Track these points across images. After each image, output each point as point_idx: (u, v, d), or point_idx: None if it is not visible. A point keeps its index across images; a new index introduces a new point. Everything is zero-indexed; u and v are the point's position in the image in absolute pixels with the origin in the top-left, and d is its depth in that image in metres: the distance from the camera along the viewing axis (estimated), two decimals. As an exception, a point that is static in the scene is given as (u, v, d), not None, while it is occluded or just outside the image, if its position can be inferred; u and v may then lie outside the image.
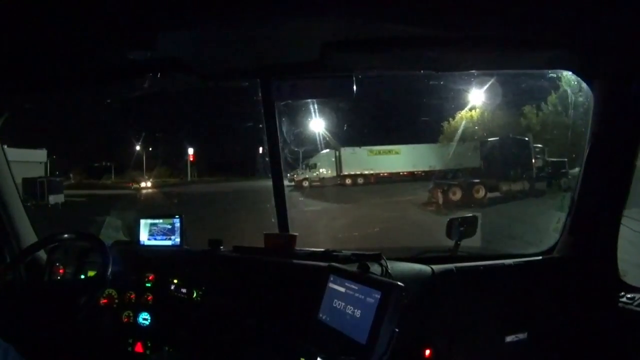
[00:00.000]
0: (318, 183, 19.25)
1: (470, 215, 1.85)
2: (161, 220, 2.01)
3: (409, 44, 1.46)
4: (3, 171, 2.00)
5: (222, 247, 1.90)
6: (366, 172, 19.57)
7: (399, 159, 19.22)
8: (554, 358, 1.67)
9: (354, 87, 1.70)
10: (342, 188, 18.44)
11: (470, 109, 16.34)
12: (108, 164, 26.54)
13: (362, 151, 19.49)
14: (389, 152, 19.51)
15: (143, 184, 21.36)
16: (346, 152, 19.41)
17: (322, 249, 1.64)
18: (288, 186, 17.39)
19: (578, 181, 1.67)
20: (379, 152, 19.68)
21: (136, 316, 1.84)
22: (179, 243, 1.97)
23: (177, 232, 1.97)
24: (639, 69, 1.43)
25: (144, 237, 2.02)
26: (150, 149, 25.95)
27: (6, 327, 1.48)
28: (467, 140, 16.63)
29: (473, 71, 1.79)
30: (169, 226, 1.98)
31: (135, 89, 1.88)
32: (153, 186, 21.47)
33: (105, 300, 1.85)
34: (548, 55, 1.55)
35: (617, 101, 1.51)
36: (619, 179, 1.54)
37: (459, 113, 16.99)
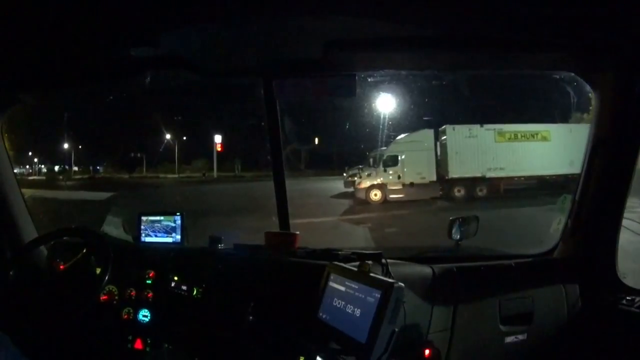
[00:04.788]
0: (401, 195, 10.57)
1: (471, 215, 1.85)
2: (162, 218, 2.01)
3: (410, 43, 1.46)
4: (4, 166, 2.00)
5: (222, 245, 1.90)
6: (492, 175, 10.64)
7: (546, 149, 10.34)
8: (553, 359, 1.67)
9: (356, 86, 1.69)
10: (454, 210, 8.92)
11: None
12: (139, 155, 23.87)
13: (485, 134, 10.72)
14: (533, 136, 10.58)
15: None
16: (456, 134, 10.85)
17: (323, 248, 1.65)
18: (340, 196, 11.16)
19: (579, 182, 1.67)
20: (516, 137, 10.74)
21: (136, 313, 1.84)
22: (179, 240, 1.97)
23: (178, 229, 1.98)
24: None
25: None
26: (185, 137, 22.38)
27: (7, 323, 1.48)
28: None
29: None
30: (170, 223, 1.99)
31: (138, 86, 1.88)
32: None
33: (105, 297, 1.85)
34: (549, 57, 1.55)
35: (619, 103, 1.51)
36: (620, 180, 1.54)
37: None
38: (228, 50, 1.56)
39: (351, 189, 11.51)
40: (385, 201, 10.73)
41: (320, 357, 1.19)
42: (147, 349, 1.80)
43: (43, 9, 1.18)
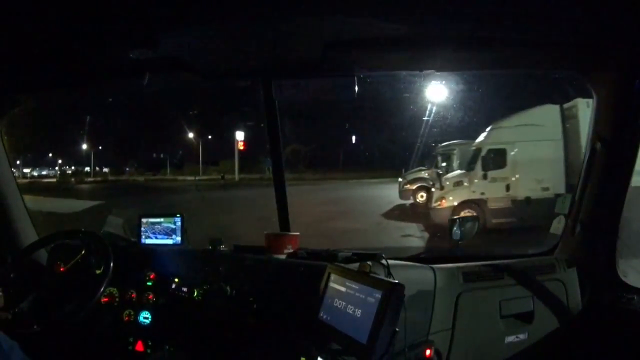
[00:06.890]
0: (509, 219, 6.22)
1: (470, 215, 1.86)
2: (162, 219, 2.01)
3: (409, 44, 1.46)
4: (3, 169, 2.00)
5: (222, 247, 1.90)
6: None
7: None
8: (554, 358, 1.67)
9: (356, 88, 1.69)
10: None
11: None
12: (162, 156, 23.20)
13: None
14: None
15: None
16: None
17: (323, 249, 1.65)
18: (397, 215, 6.77)
19: (578, 182, 1.67)
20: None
21: (137, 315, 1.84)
22: (180, 242, 1.97)
23: (178, 231, 1.98)
24: None
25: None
26: (210, 137, 21.44)
27: (9, 325, 1.48)
28: None
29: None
30: (171, 225, 1.99)
31: (137, 88, 1.88)
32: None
33: (106, 299, 1.85)
34: (550, 56, 1.55)
35: (619, 102, 1.52)
36: (619, 180, 1.54)
37: None
38: (227, 52, 1.56)
39: (409, 201, 7.73)
40: (484, 229, 5.74)
41: (322, 357, 1.19)
42: (148, 351, 1.80)
43: (42, 11, 1.19)
